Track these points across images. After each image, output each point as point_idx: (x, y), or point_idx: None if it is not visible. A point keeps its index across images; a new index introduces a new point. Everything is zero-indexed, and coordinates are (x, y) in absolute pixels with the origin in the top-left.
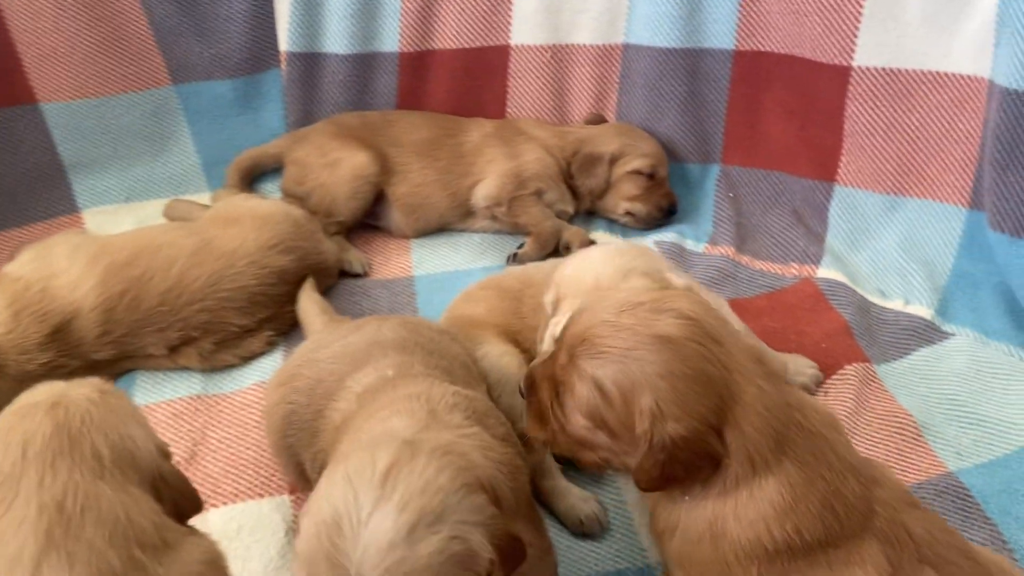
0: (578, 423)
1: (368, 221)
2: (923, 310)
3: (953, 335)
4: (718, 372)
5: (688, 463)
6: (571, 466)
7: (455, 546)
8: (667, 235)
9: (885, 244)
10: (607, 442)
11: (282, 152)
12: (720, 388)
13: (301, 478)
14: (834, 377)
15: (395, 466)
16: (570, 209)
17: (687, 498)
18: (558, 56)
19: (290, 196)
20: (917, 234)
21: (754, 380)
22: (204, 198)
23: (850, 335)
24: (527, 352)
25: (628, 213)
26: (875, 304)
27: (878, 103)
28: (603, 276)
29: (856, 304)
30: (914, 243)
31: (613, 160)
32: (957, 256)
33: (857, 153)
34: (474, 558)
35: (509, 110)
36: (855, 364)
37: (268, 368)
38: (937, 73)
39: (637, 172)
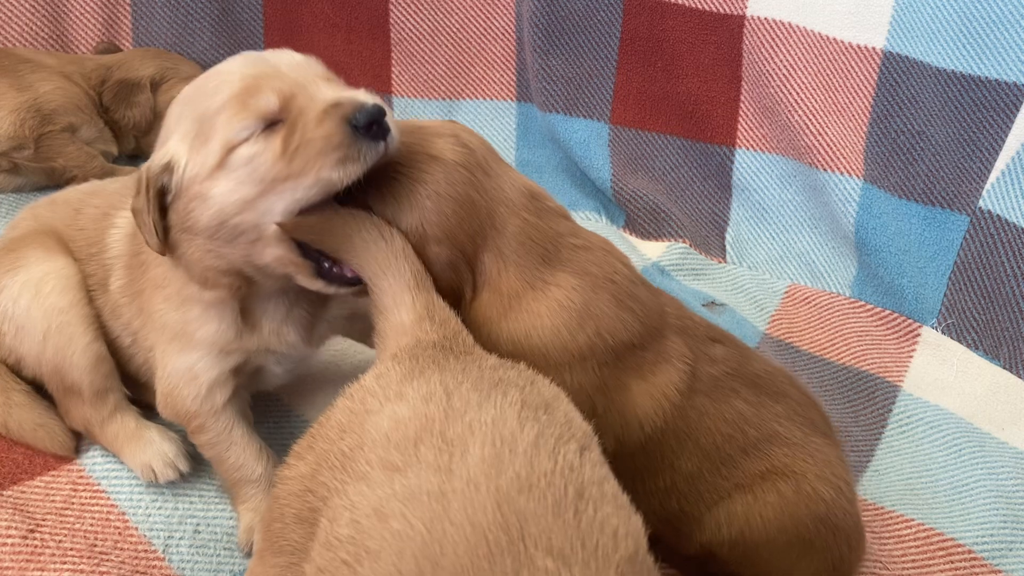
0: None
1: None
2: None
3: None
4: (483, 201)
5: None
6: None
7: None
8: None
9: None
10: None
11: None
12: (483, 216)
13: None
14: None
15: None
16: (113, 149)
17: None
18: None
19: None
20: (478, 132)
21: (520, 213)
22: None
23: None
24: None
25: None
26: None
27: (420, 7)
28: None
29: None
30: None
31: (154, 86)
32: (517, 148)
33: (408, 62)
34: None
35: None
36: None
37: None
38: None
39: None
